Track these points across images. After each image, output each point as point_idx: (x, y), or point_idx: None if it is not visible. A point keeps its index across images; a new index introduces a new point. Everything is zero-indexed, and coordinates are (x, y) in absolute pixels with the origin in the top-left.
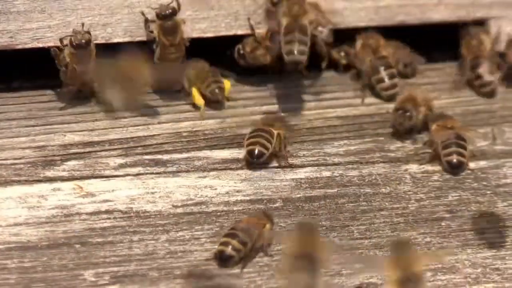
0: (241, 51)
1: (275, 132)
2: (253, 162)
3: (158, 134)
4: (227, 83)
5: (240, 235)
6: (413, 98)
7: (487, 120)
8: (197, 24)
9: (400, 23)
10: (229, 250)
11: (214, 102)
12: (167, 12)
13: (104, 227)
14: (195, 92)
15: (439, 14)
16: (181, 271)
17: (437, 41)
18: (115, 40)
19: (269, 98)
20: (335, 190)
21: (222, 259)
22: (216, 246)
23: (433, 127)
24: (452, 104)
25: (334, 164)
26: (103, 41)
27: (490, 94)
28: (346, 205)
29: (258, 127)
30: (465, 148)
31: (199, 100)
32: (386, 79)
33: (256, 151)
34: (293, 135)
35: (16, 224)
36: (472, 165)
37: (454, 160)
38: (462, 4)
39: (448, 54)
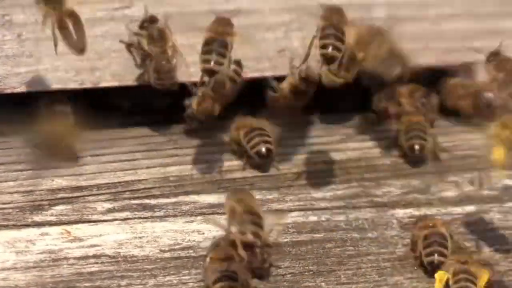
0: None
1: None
2: None
3: (146, 179)
4: None
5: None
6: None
7: (474, 165)
8: (184, 69)
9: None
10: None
11: None
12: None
13: (92, 272)
14: None
15: (426, 59)
16: None
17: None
18: (103, 85)
19: None
20: (322, 235)
21: None
22: None
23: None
24: (439, 149)
25: (321, 208)
26: (91, 85)
27: None
28: (333, 249)
29: None
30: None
31: None
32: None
33: None
34: None
35: (3, 269)
36: (458, 210)
37: None
38: (450, 49)
39: None
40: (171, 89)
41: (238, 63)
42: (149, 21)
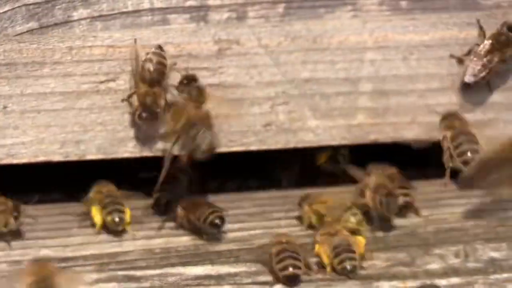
0: None
1: None
2: None
3: (132, 251)
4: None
5: None
6: None
7: (460, 237)
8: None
9: (373, 142)
10: None
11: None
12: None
13: None
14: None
15: (412, 133)
16: None
17: (408, 160)
18: (88, 157)
19: (242, 216)
20: None
21: None
22: None
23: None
24: (424, 222)
25: (306, 281)
26: (76, 158)
27: None
28: None
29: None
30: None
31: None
32: None
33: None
34: None
35: None
36: (443, 282)
37: None
38: (436, 123)
39: (420, 172)
40: None
41: None
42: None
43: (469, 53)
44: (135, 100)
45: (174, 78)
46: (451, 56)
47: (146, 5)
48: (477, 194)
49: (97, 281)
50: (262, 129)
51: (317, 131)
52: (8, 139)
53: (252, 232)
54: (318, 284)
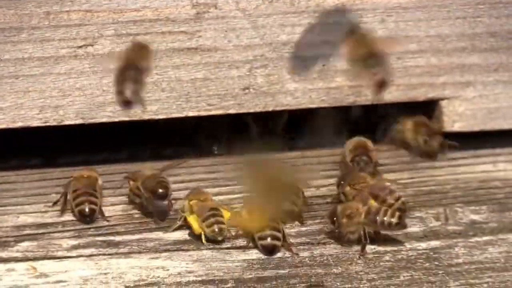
0: None
1: None
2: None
3: (110, 216)
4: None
5: None
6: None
7: (440, 200)
8: (148, 106)
9: (352, 104)
10: None
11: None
12: None
13: None
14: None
15: (391, 95)
16: None
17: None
18: (67, 123)
19: (222, 180)
20: (287, 271)
21: None
22: None
23: None
24: (405, 185)
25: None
26: (55, 123)
27: None
28: (297, 285)
29: None
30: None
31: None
32: None
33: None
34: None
35: None
36: (423, 245)
37: None
38: (414, 85)
39: None
40: None
41: None
42: None
43: None
44: None
45: None
46: None
47: None
48: (457, 156)
49: (76, 246)
50: (240, 92)
51: (296, 94)
52: None
53: (231, 196)
54: (297, 248)
